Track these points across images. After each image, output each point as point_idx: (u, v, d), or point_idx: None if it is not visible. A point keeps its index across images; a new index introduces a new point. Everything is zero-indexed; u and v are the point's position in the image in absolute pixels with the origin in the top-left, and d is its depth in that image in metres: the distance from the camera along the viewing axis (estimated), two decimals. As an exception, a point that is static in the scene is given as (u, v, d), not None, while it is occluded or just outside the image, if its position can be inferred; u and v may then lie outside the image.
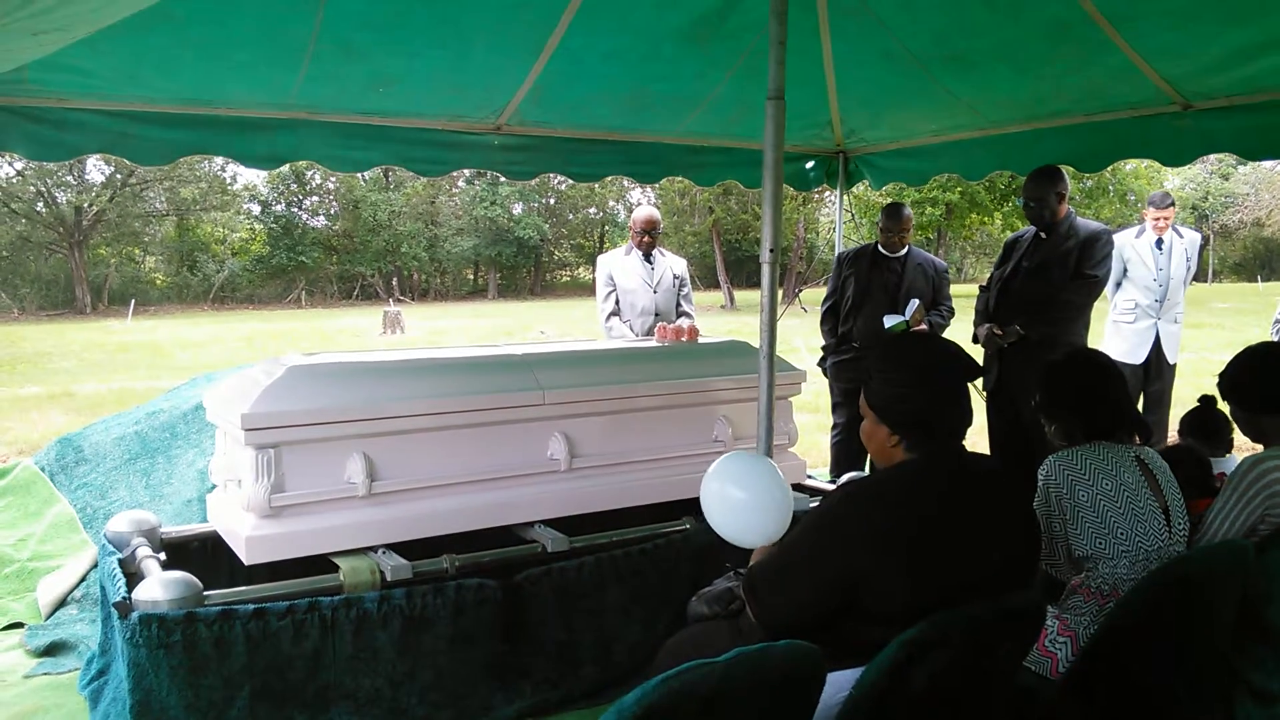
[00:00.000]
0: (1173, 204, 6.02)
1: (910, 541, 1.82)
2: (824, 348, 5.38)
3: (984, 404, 4.66)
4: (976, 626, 1.79)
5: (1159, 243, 5.96)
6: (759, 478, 2.31)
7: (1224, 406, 2.90)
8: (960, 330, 4.56)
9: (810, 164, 5.77)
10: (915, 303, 4.96)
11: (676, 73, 4.38)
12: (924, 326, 4.96)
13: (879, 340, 4.87)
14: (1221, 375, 2.75)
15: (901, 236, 5.11)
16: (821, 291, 5.72)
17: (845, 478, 4.12)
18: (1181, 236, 6.02)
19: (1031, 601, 1.89)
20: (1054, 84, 4.20)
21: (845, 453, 5.21)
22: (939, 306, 5.13)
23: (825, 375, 5.43)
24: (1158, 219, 5.96)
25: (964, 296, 6.05)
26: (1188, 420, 3.32)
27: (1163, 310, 5.92)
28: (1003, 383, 4.52)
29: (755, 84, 3.59)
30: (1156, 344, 5.91)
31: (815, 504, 3.79)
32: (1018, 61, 4.08)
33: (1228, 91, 3.85)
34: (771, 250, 3.00)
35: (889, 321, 4.93)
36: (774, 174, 2.97)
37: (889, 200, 5.26)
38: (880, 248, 5.17)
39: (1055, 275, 4.36)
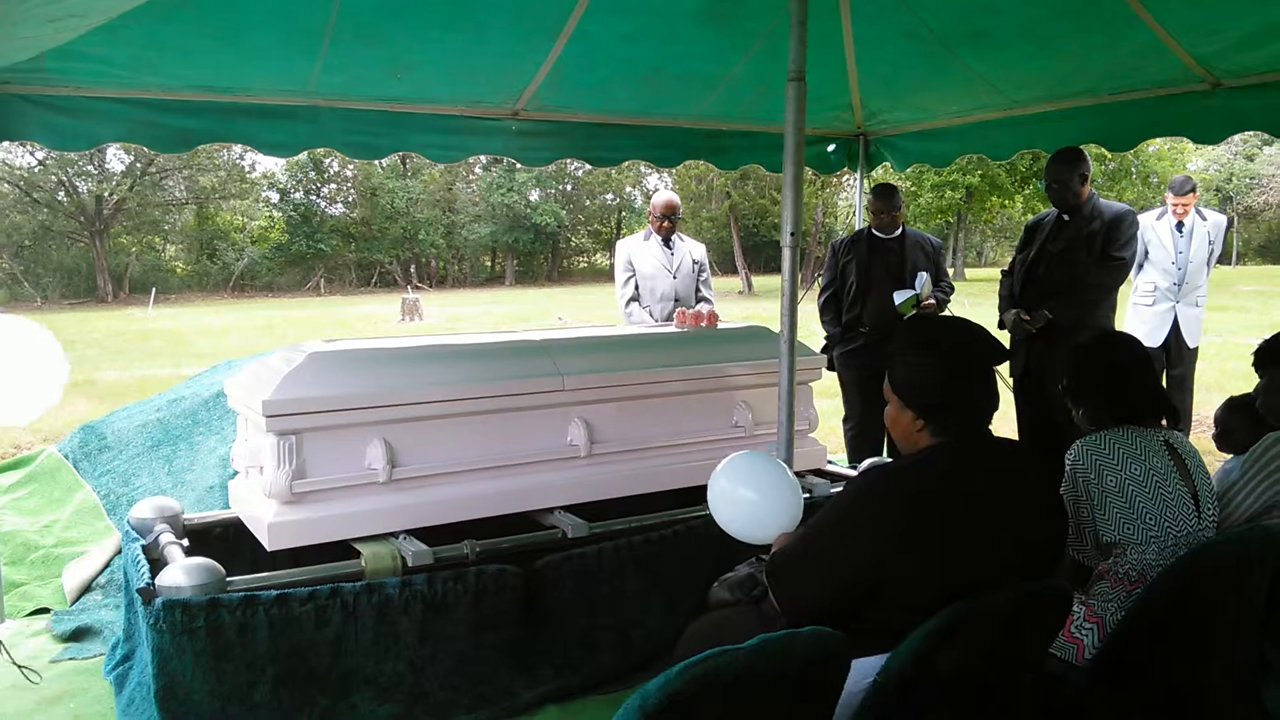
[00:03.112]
0: (1194, 189, 5.93)
1: (936, 527, 1.80)
2: (827, 338, 5.28)
3: (1011, 390, 4.61)
4: (1002, 613, 1.77)
5: (1179, 226, 5.88)
6: (765, 476, 2.31)
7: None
8: (982, 314, 4.52)
9: (832, 147, 5.72)
10: (924, 276, 4.90)
11: (694, 55, 4.34)
12: (932, 301, 4.89)
13: (893, 321, 4.81)
14: (1267, 342, 2.70)
15: (894, 216, 5.05)
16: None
17: (866, 463, 4.09)
18: (1205, 219, 5.93)
19: (1058, 588, 1.87)
20: (1079, 62, 4.13)
21: (862, 443, 5.15)
22: (939, 283, 5.06)
23: (830, 367, 5.29)
24: (1177, 205, 5.88)
25: (986, 281, 6.00)
26: (1238, 401, 3.19)
27: (1182, 293, 5.84)
28: (1030, 368, 4.46)
29: (774, 66, 3.55)
30: (1175, 327, 5.83)
31: (837, 490, 3.78)
32: (1042, 39, 4.02)
33: (1258, 69, 3.79)
34: (793, 234, 2.98)
35: (899, 298, 4.88)
36: (795, 157, 2.94)
37: (878, 183, 5.17)
38: (874, 231, 5.10)
39: (1082, 258, 4.30)
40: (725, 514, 2.39)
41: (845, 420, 5.34)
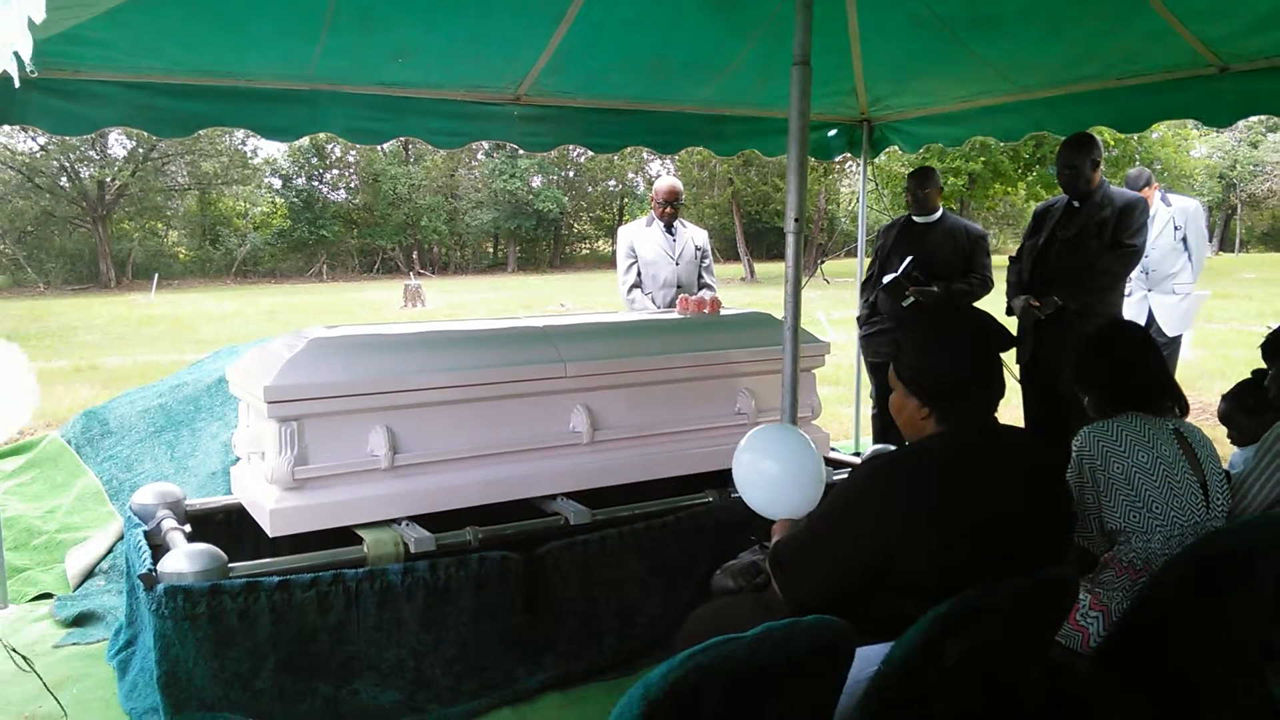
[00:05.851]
0: (1148, 183, 5.81)
1: (942, 515, 1.79)
2: (857, 319, 5.31)
3: (1019, 376, 4.58)
4: (1008, 601, 1.76)
5: None
6: (793, 450, 2.29)
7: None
8: (987, 299, 4.47)
9: (832, 132, 5.68)
10: (907, 260, 4.85)
11: (698, 40, 4.31)
12: (933, 290, 4.79)
13: (892, 310, 4.80)
14: (1276, 331, 2.68)
15: (926, 196, 4.97)
16: (844, 263, 5.65)
17: (869, 450, 4.08)
18: (1169, 204, 5.81)
19: (1064, 575, 1.86)
20: (1086, 46, 4.10)
21: (882, 426, 5.16)
22: (969, 275, 4.97)
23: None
24: None
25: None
26: (1237, 391, 3.18)
27: (1152, 281, 5.74)
28: (1039, 354, 4.43)
29: (778, 51, 3.53)
30: (1150, 317, 5.73)
31: (841, 477, 3.77)
32: (1048, 23, 3.99)
33: (1267, 53, 3.75)
34: (796, 220, 2.96)
35: (887, 279, 4.88)
36: (799, 142, 2.92)
37: (911, 169, 5.13)
38: (913, 216, 5.07)
39: (1092, 245, 4.27)
40: (750, 487, 2.35)
41: (873, 401, 5.39)
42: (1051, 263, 4.40)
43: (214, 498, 3.78)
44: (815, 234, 32.68)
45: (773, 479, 2.28)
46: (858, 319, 5.30)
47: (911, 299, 4.77)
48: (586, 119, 4.94)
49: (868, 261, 5.42)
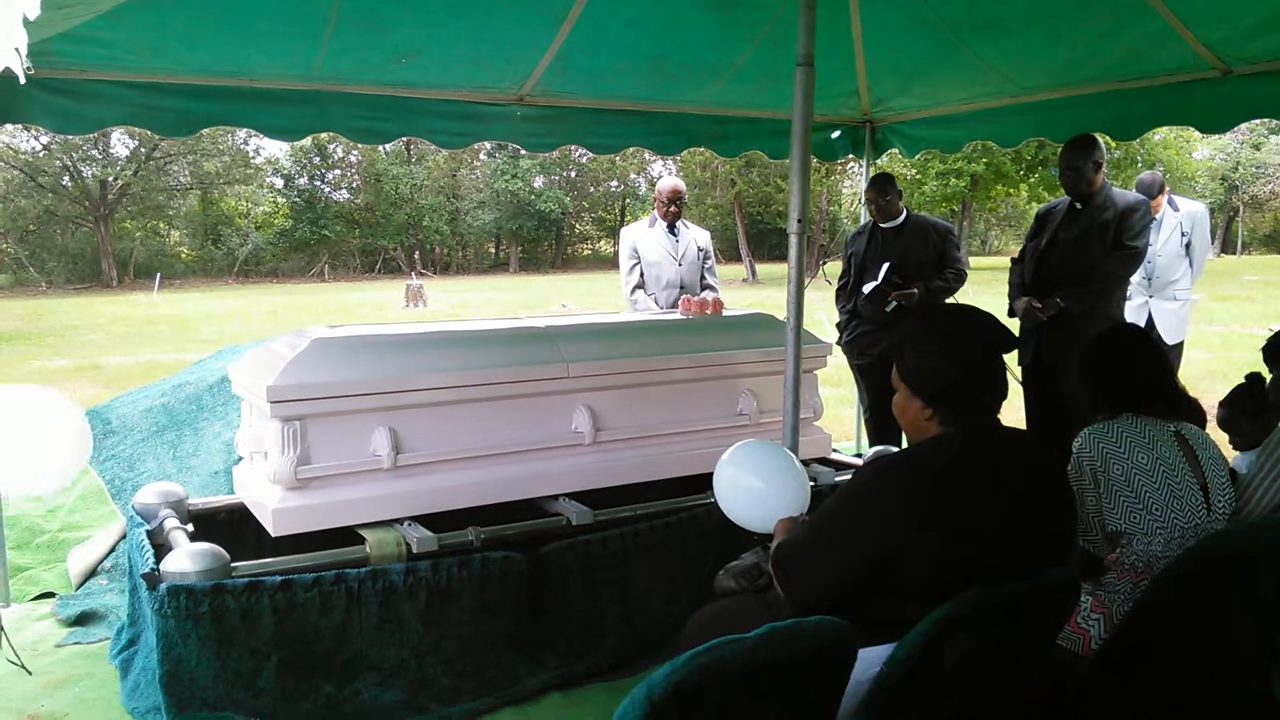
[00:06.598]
0: (1161, 190, 5.76)
1: (945, 517, 1.79)
2: (837, 325, 5.31)
3: (1020, 378, 4.58)
4: (1011, 603, 1.76)
5: None
6: (773, 465, 2.31)
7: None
8: (985, 302, 4.46)
9: (836, 133, 5.67)
10: (885, 266, 4.84)
11: (700, 40, 4.31)
12: (913, 292, 4.77)
13: (880, 312, 4.81)
14: (1276, 335, 2.67)
15: (887, 204, 4.97)
16: (846, 264, 5.62)
17: (872, 451, 4.09)
18: (1176, 210, 5.79)
19: (1066, 578, 1.86)
20: (1088, 49, 4.10)
21: (875, 428, 5.16)
22: (944, 271, 4.96)
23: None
24: None
25: (990, 269, 5.91)
26: (1235, 396, 3.19)
27: (1154, 287, 5.71)
28: (1041, 356, 4.43)
29: (781, 51, 3.53)
30: (1150, 323, 5.69)
31: (842, 478, 3.77)
32: (1051, 26, 3.98)
33: (1270, 56, 3.75)
34: (799, 221, 2.96)
35: (867, 289, 4.88)
36: (802, 143, 2.93)
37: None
38: (878, 222, 5.05)
39: (1095, 247, 4.27)
40: (731, 502, 2.39)
41: (863, 407, 5.38)
42: (1053, 265, 4.40)
43: (216, 497, 3.79)
44: (817, 235, 32.68)
45: (756, 493, 2.31)
46: (837, 325, 5.29)
47: (894, 304, 4.77)
48: (589, 119, 4.94)
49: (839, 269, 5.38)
